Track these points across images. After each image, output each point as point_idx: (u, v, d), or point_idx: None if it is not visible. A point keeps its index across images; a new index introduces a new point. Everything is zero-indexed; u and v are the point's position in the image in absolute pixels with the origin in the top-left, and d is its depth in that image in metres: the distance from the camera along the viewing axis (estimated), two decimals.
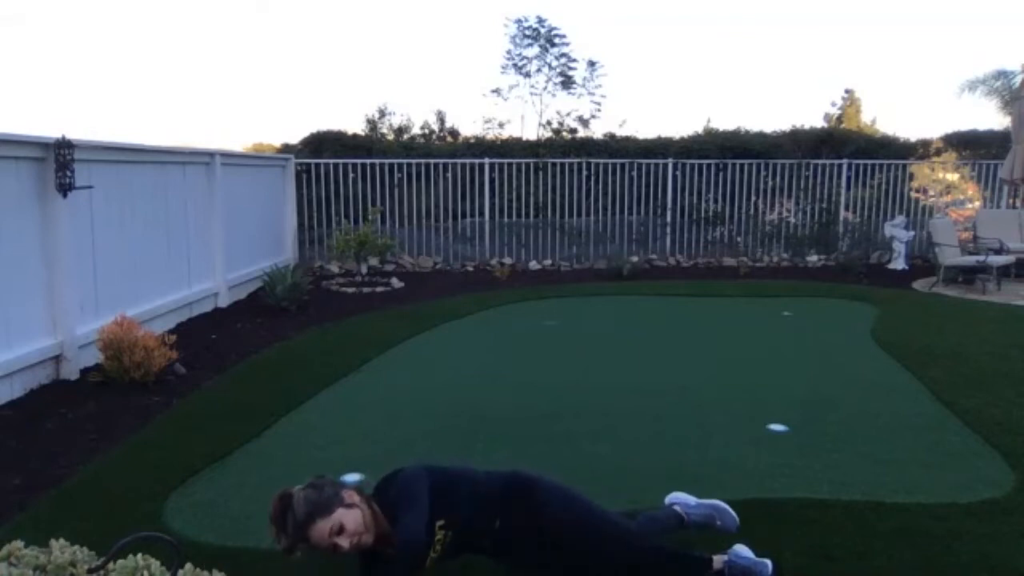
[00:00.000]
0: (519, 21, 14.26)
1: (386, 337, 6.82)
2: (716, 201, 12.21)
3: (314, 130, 12.69)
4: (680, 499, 3.14)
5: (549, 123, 14.48)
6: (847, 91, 23.21)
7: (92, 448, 4.16)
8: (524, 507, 2.58)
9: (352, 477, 3.73)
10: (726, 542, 2.87)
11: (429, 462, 2.67)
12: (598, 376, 5.75)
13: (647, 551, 2.74)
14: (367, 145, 12.60)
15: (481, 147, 12.83)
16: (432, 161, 12.00)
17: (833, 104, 23.57)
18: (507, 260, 11.85)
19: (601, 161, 12.18)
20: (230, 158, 9.05)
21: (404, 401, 5.11)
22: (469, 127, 22.52)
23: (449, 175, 11.98)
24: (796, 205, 12.42)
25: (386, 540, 2.41)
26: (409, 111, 21.43)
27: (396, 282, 10.20)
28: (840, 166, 12.28)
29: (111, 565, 1.61)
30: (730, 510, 3.04)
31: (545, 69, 14.44)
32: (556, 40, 14.29)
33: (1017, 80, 12.44)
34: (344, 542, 2.32)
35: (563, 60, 14.40)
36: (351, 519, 2.33)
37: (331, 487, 2.39)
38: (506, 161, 12.08)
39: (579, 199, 12.13)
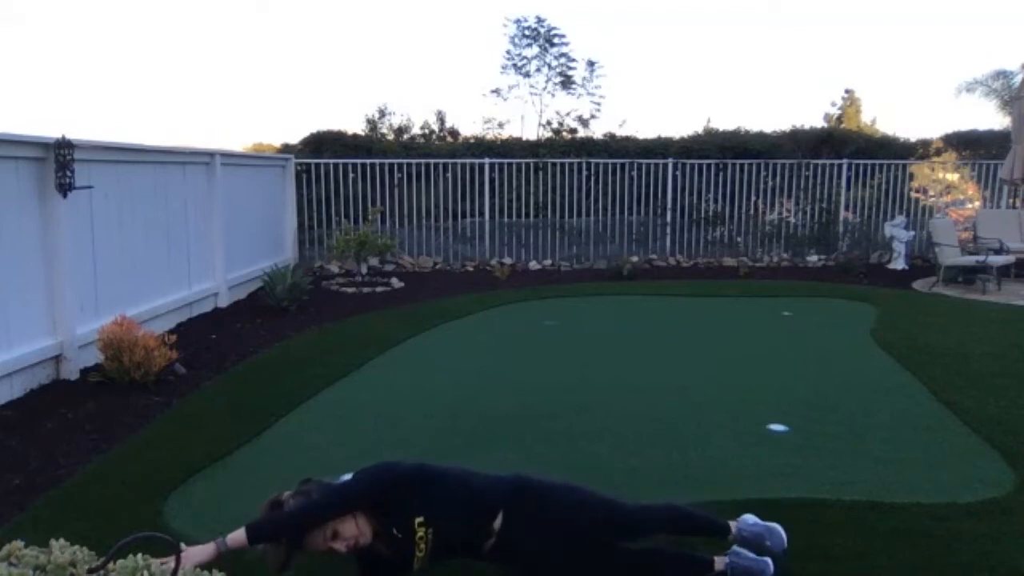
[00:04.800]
0: (519, 21, 14.31)
1: (386, 337, 6.81)
2: (716, 201, 12.20)
3: (314, 130, 12.70)
4: (743, 517, 2.97)
5: (549, 123, 14.51)
6: (847, 91, 23.26)
7: (92, 448, 4.16)
8: (529, 502, 2.57)
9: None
10: (727, 542, 2.87)
11: (415, 460, 2.66)
12: (598, 376, 5.74)
13: (648, 553, 2.74)
14: (367, 145, 12.61)
15: (481, 147, 12.83)
16: (432, 161, 12.00)
17: (833, 104, 23.61)
18: (507, 260, 11.85)
19: (601, 161, 12.18)
20: (230, 158, 9.04)
21: (404, 401, 5.11)
22: (469, 127, 22.56)
23: (449, 175, 11.98)
24: (796, 205, 12.42)
25: (380, 537, 2.41)
26: (409, 111, 21.48)
27: (396, 282, 10.19)
28: (840, 166, 12.28)
29: (111, 565, 1.61)
30: (782, 533, 2.89)
31: (545, 69, 14.47)
32: (555, 40, 14.32)
33: (1017, 80, 12.45)
34: (340, 546, 2.33)
35: (563, 60, 14.44)
36: (345, 523, 2.33)
37: (318, 493, 2.38)
38: (506, 161, 12.09)
39: (579, 199, 12.13)
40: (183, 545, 2.30)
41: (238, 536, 2.28)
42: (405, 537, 2.39)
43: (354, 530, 2.34)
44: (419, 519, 2.40)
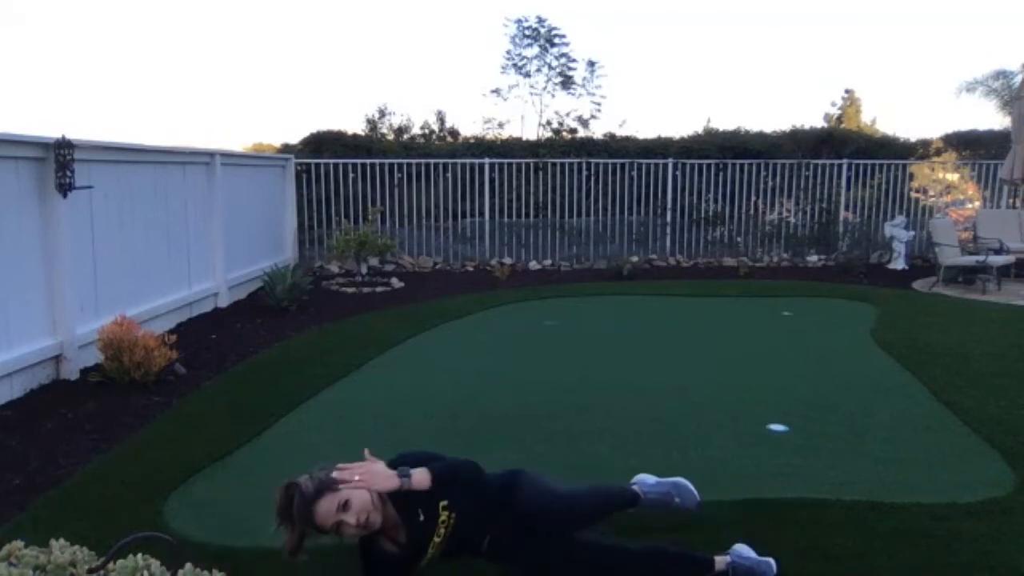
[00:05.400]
0: (519, 21, 14.32)
1: (386, 337, 6.81)
2: (716, 201, 12.20)
3: (314, 130, 12.70)
4: (640, 479, 3.08)
5: (549, 123, 14.51)
6: (847, 91, 23.28)
7: (92, 448, 4.17)
8: (512, 501, 2.58)
9: None
10: (728, 542, 2.87)
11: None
12: (598, 376, 5.74)
13: (648, 554, 2.74)
14: (367, 145, 12.61)
15: (481, 147, 12.83)
16: (432, 161, 12.00)
17: (833, 104, 23.64)
18: (507, 260, 11.85)
19: (601, 161, 12.18)
20: (230, 158, 9.05)
21: (404, 401, 5.11)
22: (469, 127, 22.61)
23: (449, 175, 11.98)
24: (796, 205, 12.42)
25: (391, 529, 2.41)
26: (409, 111, 21.50)
27: (396, 282, 10.19)
28: (840, 166, 12.28)
29: (111, 565, 1.61)
30: (691, 487, 2.95)
31: (545, 69, 14.47)
32: (556, 40, 14.32)
33: (1017, 80, 12.45)
34: (350, 518, 2.31)
35: (563, 60, 14.44)
36: (358, 497, 2.34)
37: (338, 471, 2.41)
38: (506, 161, 12.08)
39: (579, 199, 12.13)
40: (367, 452, 2.49)
41: (423, 478, 2.39)
42: (427, 520, 2.41)
43: (366, 503, 2.34)
44: (443, 503, 2.43)
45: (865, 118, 21.95)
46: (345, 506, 2.31)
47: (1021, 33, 24.50)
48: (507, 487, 2.62)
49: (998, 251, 9.62)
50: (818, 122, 20.54)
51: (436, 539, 2.43)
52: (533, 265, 11.88)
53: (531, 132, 15.03)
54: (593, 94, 14.62)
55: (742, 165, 12.20)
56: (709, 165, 12.17)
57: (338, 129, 12.85)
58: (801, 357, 6.35)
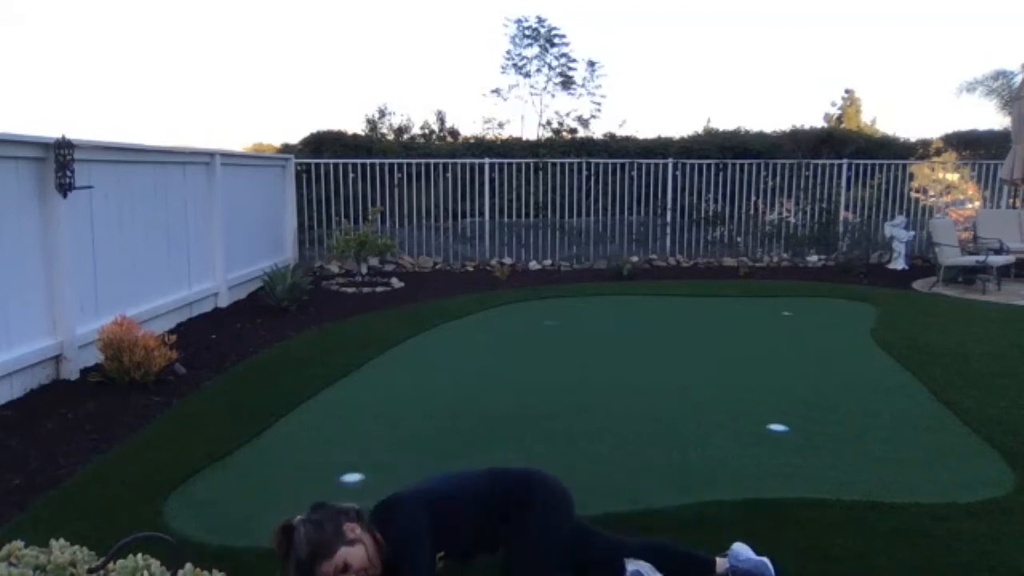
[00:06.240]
0: (519, 21, 14.32)
1: (386, 337, 6.81)
2: (716, 201, 12.20)
3: (314, 130, 12.69)
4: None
5: (549, 123, 14.51)
6: (847, 91, 23.27)
7: (92, 448, 4.17)
8: (519, 501, 2.58)
9: (352, 477, 3.75)
10: (728, 542, 2.87)
11: (426, 482, 2.67)
12: (598, 376, 5.74)
13: (650, 548, 2.74)
14: (367, 145, 12.60)
15: (481, 147, 12.83)
16: (432, 161, 12.00)
17: (833, 104, 23.62)
18: (507, 260, 11.85)
19: (601, 161, 12.18)
20: (230, 158, 9.04)
21: (404, 401, 5.11)
22: (469, 127, 22.64)
23: (449, 175, 11.98)
24: (796, 205, 12.42)
25: (390, 570, 2.39)
26: (409, 111, 21.50)
27: (396, 282, 10.19)
28: (840, 166, 12.28)
29: (111, 565, 1.61)
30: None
31: (545, 69, 14.48)
32: (556, 40, 14.33)
33: (1017, 80, 12.45)
34: None
35: (563, 60, 14.45)
36: (355, 557, 2.30)
37: (331, 523, 2.32)
38: (506, 161, 12.08)
39: (579, 199, 12.13)
40: None
41: None
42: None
43: (364, 561, 2.32)
44: (440, 553, 2.46)
45: (865, 118, 21.96)
46: (344, 569, 2.29)
47: (1021, 33, 24.50)
48: (517, 486, 2.63)
49: (998, 251, 9.62)
50: (818, 122, 20.56)
51: (439, 565, 2.47)
52: (533, 265, 11.88)
53: (531, 132, 15.05)
54: (593, 94, 14.64)
55: (742, 165, 12.19)
56: (709, 165, 12.16)
57: (338, 129, 12.84)
58: (801, 357, 6.35)
